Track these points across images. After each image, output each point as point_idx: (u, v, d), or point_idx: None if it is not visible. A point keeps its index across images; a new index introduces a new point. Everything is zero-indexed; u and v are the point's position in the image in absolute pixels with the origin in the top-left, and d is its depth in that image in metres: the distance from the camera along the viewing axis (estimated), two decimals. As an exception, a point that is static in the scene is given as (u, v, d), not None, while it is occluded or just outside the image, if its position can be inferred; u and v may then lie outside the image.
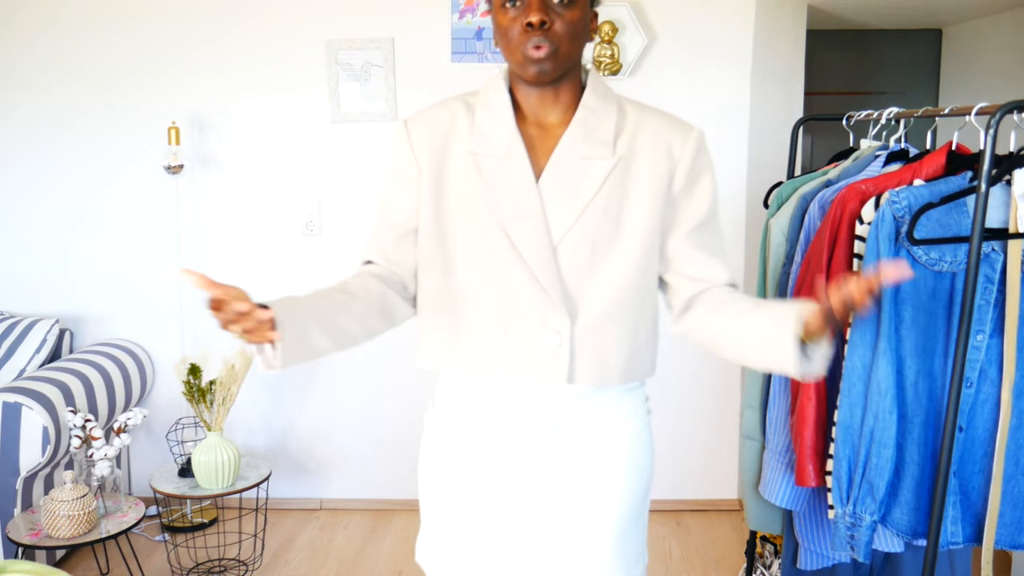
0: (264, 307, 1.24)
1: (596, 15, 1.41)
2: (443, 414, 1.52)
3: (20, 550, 2.59)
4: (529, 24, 1.30)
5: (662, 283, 1.50)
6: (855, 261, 1.83)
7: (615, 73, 3.12)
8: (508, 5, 1.32)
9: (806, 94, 3.49)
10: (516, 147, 1.38)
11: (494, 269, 1.38)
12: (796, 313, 1.27)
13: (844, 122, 2.31)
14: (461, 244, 1.41)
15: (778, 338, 1.28)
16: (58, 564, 2.95)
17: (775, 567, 2.51)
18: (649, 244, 1.41)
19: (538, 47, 1.31)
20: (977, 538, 1.82)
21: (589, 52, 3.13)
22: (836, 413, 1.82)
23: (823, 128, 3.81)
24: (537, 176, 1.38)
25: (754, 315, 1.34)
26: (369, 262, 1.50)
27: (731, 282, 1.46)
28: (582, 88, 1.43)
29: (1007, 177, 1.72)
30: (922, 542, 1.81)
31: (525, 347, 1.38)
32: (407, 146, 1.50)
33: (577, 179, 1.37)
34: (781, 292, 2.07)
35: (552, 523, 1.44)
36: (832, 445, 1.84)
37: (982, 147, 1.59)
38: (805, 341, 1.27)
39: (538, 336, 1.37)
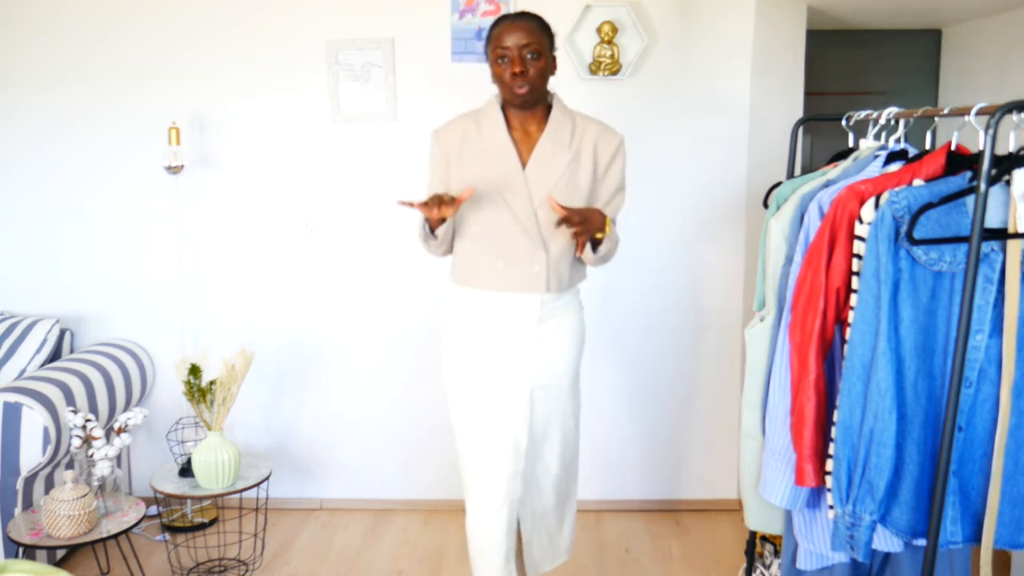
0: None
1: (555, 58, 2.23)
2: (463, 315, 2.30)
3: (21, 550, 2.59)
4: (513, 73, 2.13)
5: None
6: (855, 261, 1.83)
7: (615, 73, 3.13)
8: (500, 61, 2.16)
9: (806, 94, 3.49)
10: (508, 147, 2.22)
11: (498, 224, 2.20)
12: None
13: (844, 122, 2.32)
14: (476, 208, 2.21)
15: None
16: (59, 564, 2.95)
17: (775, 567, 2.51)
18: (588, 205, 2.21)
19: (521, 87, 2.14)
20: (976, 538, 1.82)
21: (589, 56, 3.13)
22: (836, 413, 1.82)
23: (823, 128, 3.81)
24: (523, 165, 2.21)
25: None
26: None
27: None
28: (549, 107, 2.26)
29: (1006, 177, 1.73)
30: (921, 542, 1.82)
31: (519, 272, 2.21)
32: (439, 146, 2.31)
33: (548, 167, 2.20)
34: (781, 292, 2.08)
35: (534, 373, 2.27)
36: (832, 445, 1.84)
37: (981, 147, 1.60)
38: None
39: (527, 265, 2.21)
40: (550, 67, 2.20)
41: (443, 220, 2.18)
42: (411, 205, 2.10)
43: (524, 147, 2.23)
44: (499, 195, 2.19)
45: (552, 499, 2.42)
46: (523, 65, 2.13)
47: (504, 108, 2.26)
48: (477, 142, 2.23)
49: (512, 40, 2.13)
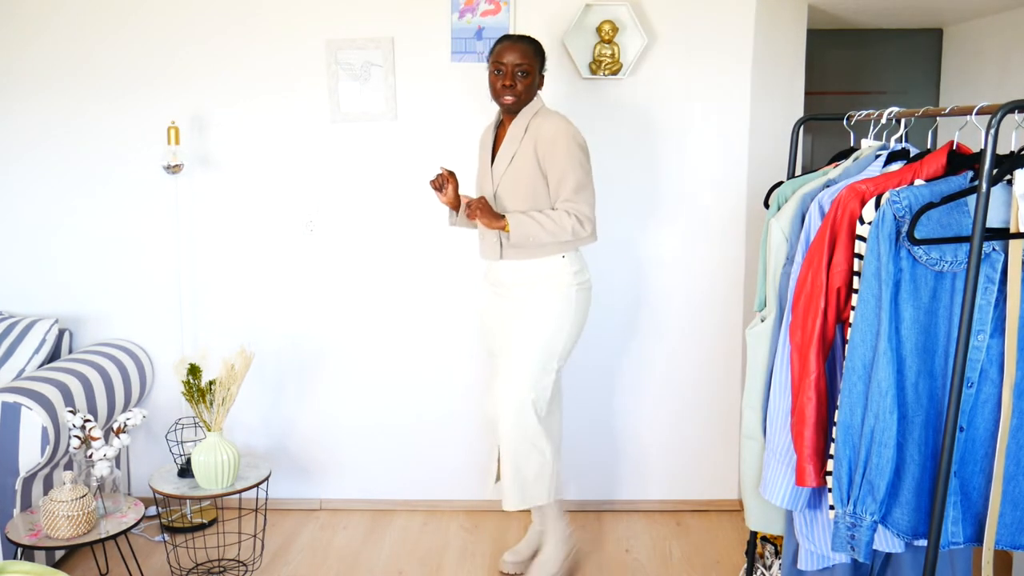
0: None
1: (543, 76, 2.71)
2: (483, 276, 2.92)
3: (19, 550, 2.59)
4: (504, 85, 2.61)
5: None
6: (856, 261, 1.83)
7: (615, 73, 3.12)
8: (495, 73, 2.63)
9: (806, 94, 3.49)
10: (487, 147, 2.80)
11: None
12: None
13: (844, 122, 2.31)
14: (475, 193, 2.87)
15: None
16: (57, 564, 2.95)
17: (775, 567, 2.51)
18: (536, 188, 2.65)
19: (507, 97, 2.63)
20: (978, 538, 1.81)
21: (589, 55, 3.13)
22: (836, 413, 1.81)
23: (823, 128, 3.81)
24: (493, 159, 2.75)
25: None
26: None
27: (563, 209, 2.63)
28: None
29: (1008, 177, 1.72)
30: (922, 542, 1.81)
31: (488, 244, 2.75)
32: (478, 147, 2.90)
33: (502, 161, 2.70)
34: (782, 292, 2.07)
35: (496, 325, 2.84)
36: (832, 445, 1.83)
37: (983, 147, 1.59)
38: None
39: (490, 236, 2.73)
40: (537, 83, 2.68)
41: (458, 206, 2.78)
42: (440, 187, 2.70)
43: (500, 145, 2.76)
44: (479, 184, 2.80)
45: (502, 444, 2.72)
46: (512, 80, 2.61)
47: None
48: (482, 143, 2.82)
49: (508, 58, 2.60)
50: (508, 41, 2.63)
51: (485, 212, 2.59)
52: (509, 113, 2.68)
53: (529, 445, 2.69)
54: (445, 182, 2.69)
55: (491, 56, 2.65)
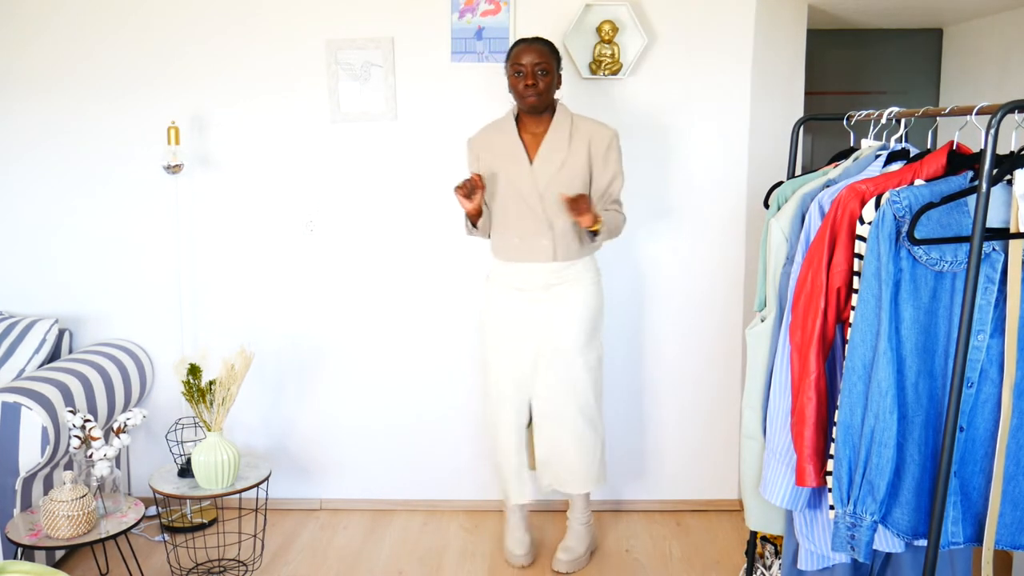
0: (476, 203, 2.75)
1: (560, 75, 2.80)
2: (495, 283, 2.88)
3: (19, 550, 2.59)
4: (526, 85, 2.70)
5: None
6: (856, 261, 1.83)
7: (615, 73, 3.12)
8: (517, 75, 2.72)
9: (806, 94, 3.49)
10: (519, 148, 2.80)
11: (514, 208, 2.78)
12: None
13: (844, 122, 2.31)
14: (499, 197, 2.81)
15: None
16: (57, 564, 2.95)
17: (775, 567, 2.51)
18: (584, 189, 2.77)
19: (531, 97, 2.71)
20: (978, 538, 1.81)
21: (589, 55, 3.13)
22: (836, 413, 1.81)
23: (823, 128, 3.81)
24: (531, 161, 2.78)
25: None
26: None
27: (612, 208, 2.82)
28: (554, 111, 2.80)
29: (1008, 177, 1.72)
30: (923, 542, 1.81)
31: (532, 246, 2.78)
32: (471, 151, 2.89)
33: (549, 162, 2.75)
34: (782, 292, 2.07)
35: (542, 329, 2.83)
36: (832, 445, 1.83)
37: (983, 147, 1.59)
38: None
39: (536, 240, 2.77)
40: (556, 82, 2.76)
41: (479, 214, 2.80)
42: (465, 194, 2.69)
43: (532, 146, 2.80)
44: (512, 186, 2.77)
45: (564, 435, 2.85)
46: (534, 79, 2.70)
47: (519, 115, 2.83)
48: (498, 146, 2.82)
49: (527, 59, 2.70)
50: (524, 43, 2.73)
51: (590, 208, 2.62)
52: (534, 113, 2.76)
53: (593, 429, 2.88)
54: (475, 188, 2.69)
55: (509, 60, 2.75)
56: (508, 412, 2.89)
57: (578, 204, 2.59)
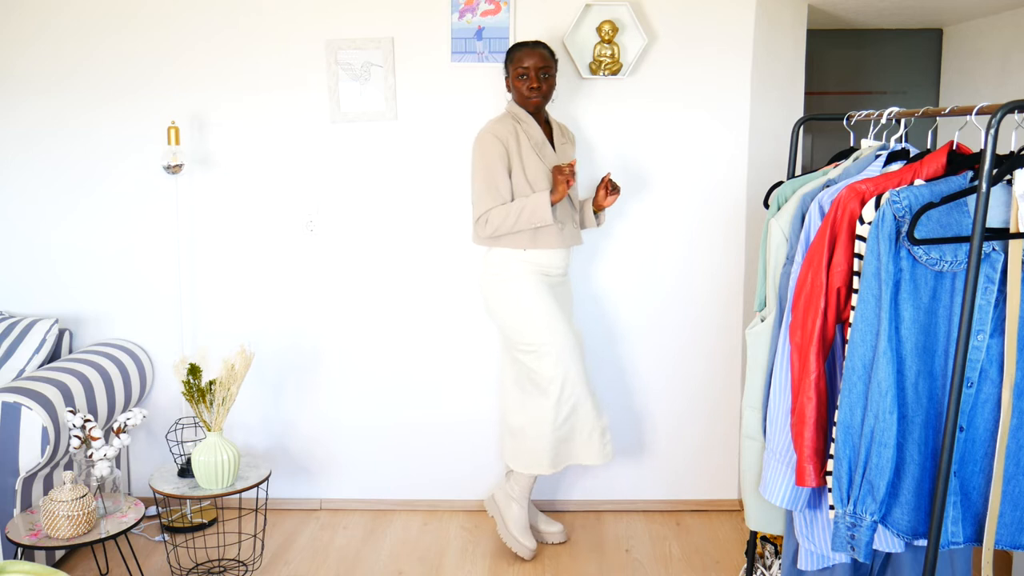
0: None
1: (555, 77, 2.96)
2: (522, 270, 2.92)
3: (19, 550, 2.59)
4: (531, 87, 2.85)
5: None
6: (856, 261, 1.83)
7: (615, 73, 3.12)
8: (520, 77, 2.86)
9: (806, 94, 3.49)
10: (546, 140, 2.95)
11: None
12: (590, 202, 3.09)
13: (844, 122, 2.31)
14: (531, 186, 2.89)
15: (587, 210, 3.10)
16: (57, 564, 2.95)
17: (775, 567, 2.51)
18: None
19: (535, 98, 2.88)
20: (978, 538, 1.81)
21: (589, 55, 3.13)
22: (836, 413, 1.81)
23: (823, 128, 3.81)
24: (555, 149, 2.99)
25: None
26: (488, 210, 2.88)
27: None
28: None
29: (1008, 177, 1.72)
30: (922, 542, 1.81)
31: (571, 231, 2.98)
32: (498, 142, 2.87)
33: (566, 154, 3.01)
34: (782, 292, 2.07)
35: (567, 302, 3.06)
36: (832, 445, 1.83)
37: (983, 147, 1.59)
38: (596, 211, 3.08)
39: (572, 226, 2.99)
40: (554, 84, 2.92)
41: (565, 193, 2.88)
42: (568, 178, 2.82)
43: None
44: (548, 174, 2.91)
45: (589, 401, 2.98)
46: (539, 82, 2.85)
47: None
48: (526, 138, 2.90)
49: (530, 62, 2.84)
50: (527, 47, 2.86)
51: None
52: (537, 112, 2.94)
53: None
54: (573, 174, 2.84)
55: (511, 63, 2.88)
56: (581, 370, 2.94)
57: (609, 185, 2.96)
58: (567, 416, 2.91)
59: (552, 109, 3.11)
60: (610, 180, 2.95)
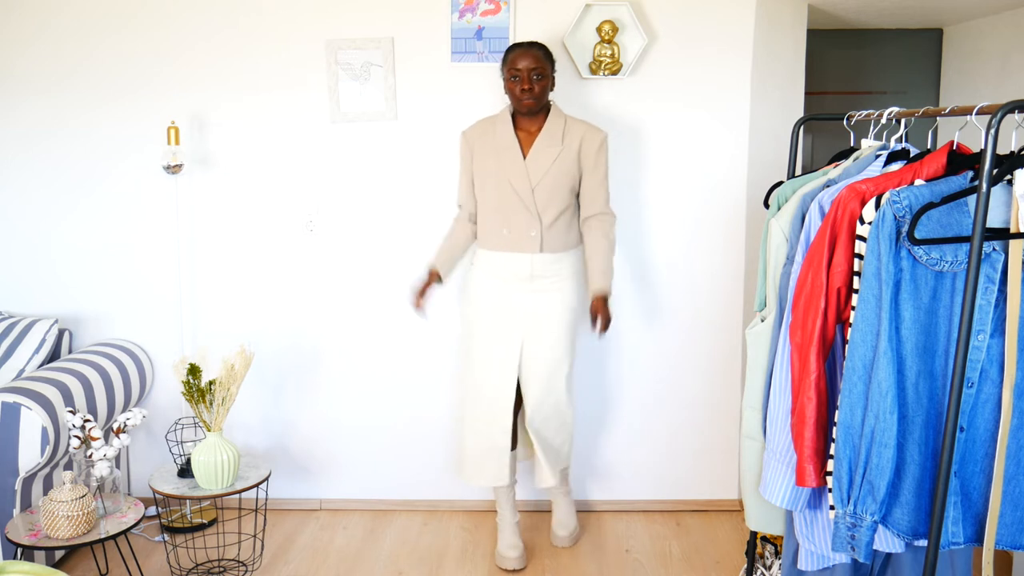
0: (432, 272, 2.98)
1: (554, 78, 2.89)
2: (480, 270, 2.96)
3: (19, 550, 2.59)
4: (523, 89, 2.81)
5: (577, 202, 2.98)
6: (856, 261, 1.82)
7: (615, 73, 3.12)
8: (513, 79, 2.82)
9: (806, 94, 3.49)
10: (514, 143, 2.89)
11: (504, 200, 2.88)
12: (592, 290, 2.88)
13: (844, 122, 2.31)
14: (490, 190, 2.90)
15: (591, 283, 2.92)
16: (57, 565, 2.95)
17: (775, 567, 2.51)
18: (573, 186, 2.91)
19: (527, 99, 2.82)
20: (978, 538, 1.81)
21: (589, 55, 3.13)
22: (837, 413, 1.81)
23: (823, 128, 3.81)
24: (524, 157, 2.88)
25: (590, 264, 2.91)
26: (460, 206, 3.03)
27: (602, 211, 2.94)
28: (548, 112, 2.92)
29: (1008, 177, 1.72)
30: (923, 542, 1.81)
31: (520, 237, 2.88)
32: (465, 143, 2.98)
33: (542, 158, 2.87)
34: (782, 292, 2.07)
35: (527, 320, 2.91)
36: (832, 445, 1.83)
37: (983, 147, 1.59)
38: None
39: (525, 232, 2.87)
40: (550, 85, 2.87)
41: (438, 279, 2.98)
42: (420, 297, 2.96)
43: (527, 143, 2.90)
44: (506, 179, 2.86)
45: (544, 427, 2.95)
46: (530, 83, 2.80)
47: (514, 114, 2.92)
48: (492, 140, 2.91)
49: (523, 64, 2.80)
50: (520, 49, 2.82)
51: (607, 312, 2.82)
52: (528, 114, 2.87)
53: (565, 418, 2.98)
54: (429, 284, 2.95)
55: (505, 64, 2.84)
56: (488, 391, 2.92)
57: (607, 317, 2.81)
58: (465, 429, 2.99)
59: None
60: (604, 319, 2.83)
